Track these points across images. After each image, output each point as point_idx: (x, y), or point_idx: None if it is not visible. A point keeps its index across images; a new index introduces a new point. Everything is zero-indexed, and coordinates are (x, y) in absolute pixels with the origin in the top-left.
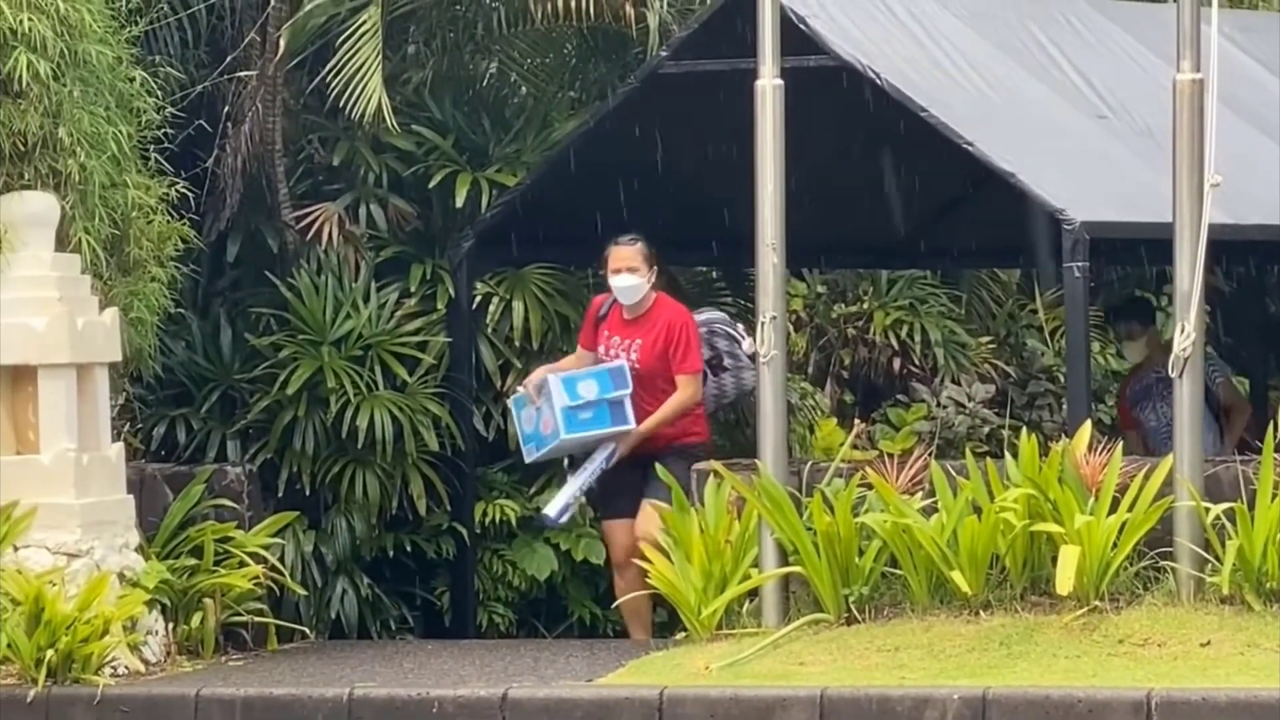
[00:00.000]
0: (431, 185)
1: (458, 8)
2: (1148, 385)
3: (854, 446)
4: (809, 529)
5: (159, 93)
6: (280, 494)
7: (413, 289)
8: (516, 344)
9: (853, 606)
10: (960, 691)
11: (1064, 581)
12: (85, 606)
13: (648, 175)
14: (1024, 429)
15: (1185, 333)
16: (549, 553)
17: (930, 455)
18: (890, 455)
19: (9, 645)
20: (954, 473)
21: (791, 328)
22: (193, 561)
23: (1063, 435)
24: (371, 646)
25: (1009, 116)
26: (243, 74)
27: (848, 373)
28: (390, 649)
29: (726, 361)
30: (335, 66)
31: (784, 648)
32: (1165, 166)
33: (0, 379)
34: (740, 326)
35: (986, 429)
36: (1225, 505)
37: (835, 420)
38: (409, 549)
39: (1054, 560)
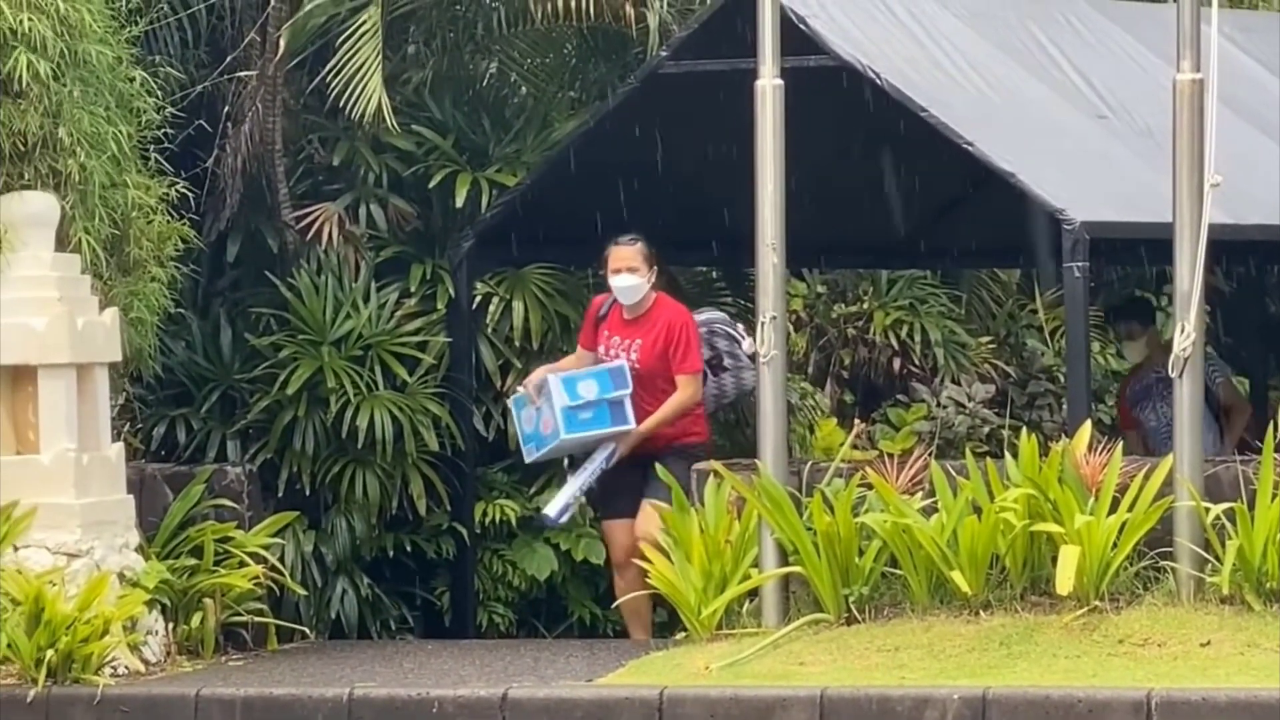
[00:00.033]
0: (431, 185)
1: (458, 8)
2: (1148, 385)
3: (854, 446)
4: (809, 529)
5: (159, 93)
6: (280, 494)
7: (413, 289)
8: (516, 344)
9: (853, 606)
10: (960, 691)
11: (1064, 581)
12: (85, 606)
13: (648, 175)
14: (1024, 429)
15: (1185, 333)
16: (549, 553)
17: (930, 455)
18: (890, 455)
19: (9, 645)
20: (954, 473)
21: (791, 328)
22: (193, 561)
23: (1063, 435)
24: (371, 646)
25: (1009, 116)
26: (243, 74)
27: (848, 373)
28: (390, 649)
29: (726, 361)
30: (335, 66)
31: (784, 648)
32: (1165, 166)
33: (0, 379)
34: (740, 326)
35: (986, 429)
36: (1225, 505)
37: (835, 420)
38: (409, 549)
39: (1054, 560)
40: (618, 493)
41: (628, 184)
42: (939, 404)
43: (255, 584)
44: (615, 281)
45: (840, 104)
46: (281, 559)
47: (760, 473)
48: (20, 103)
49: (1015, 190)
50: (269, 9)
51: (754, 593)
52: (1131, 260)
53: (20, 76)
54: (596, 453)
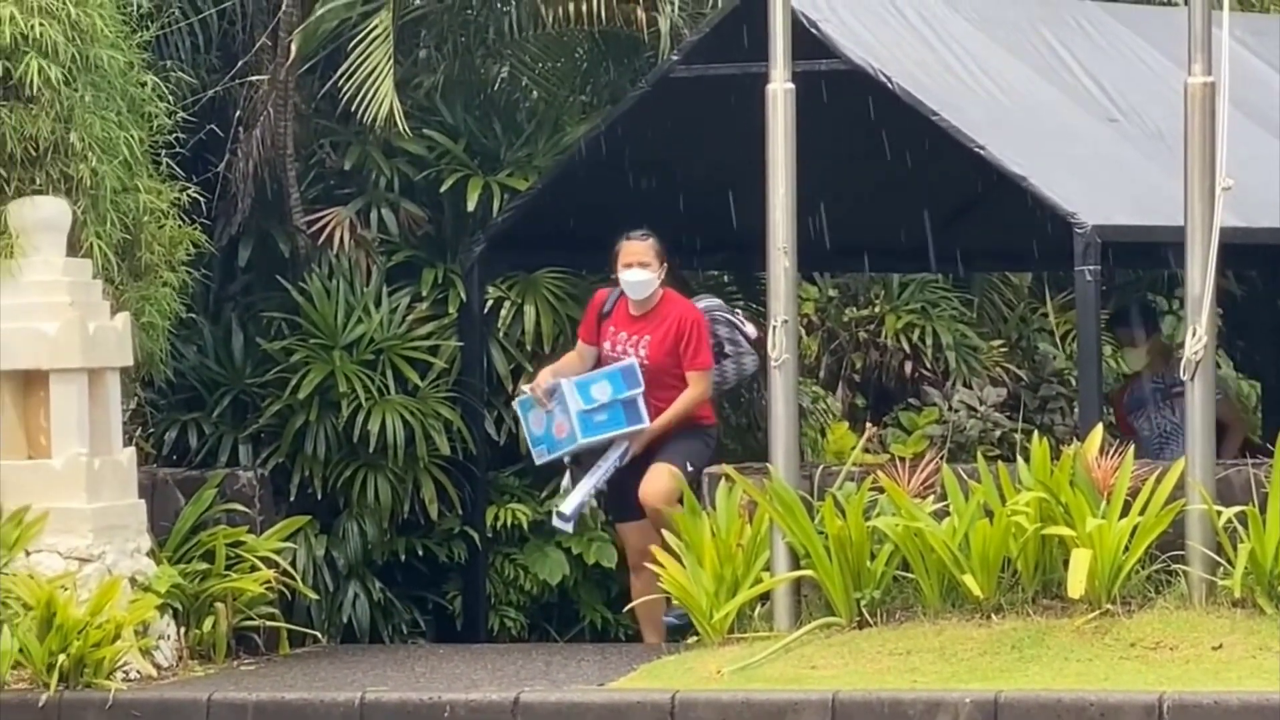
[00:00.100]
0: (443, 189)
1: (469, 12)
2: (1144, 394)
3: (865, 450)
4: (821, 533)
5: (170, 97)
6: (292, 498)
7: (424, 293)
8: (528, 348)
9: (864, 610)
10: (972, 695)
11: (1076, 585)
12: (97, 611)
13: (659, 179)
14: (1035, 432)
15: (1197, 336)
16: (560, 557)
17: (942, 459)
18: (902, 459)
19: (21, 650)
20: (965, 476)
21: (803, 331)
22: (204, 566)
23: (1074, 439)
24: (383, 651)
25: (1020, 120)
26: (254, 79)
27: (859, 376)
28: (402, 653)
29: (727, 349)
30: (347, 71)
31: (796, 651)
32: (1177, 170)
33: (12, 384)
34: (739, 312)
35: (998, 432)
36: (1237, 509)
37: (847, 424)
38: (420, 553)
39: (1066, 564)
40: (629, 494)
41: (639, 188)
42: (950, 408)
43: (267, 588)
44: (626, 276)
45: (851, 108)
46: (293, 563)
47: (772, 476)
48: (31, 108)
49: (1026, 194)
50: (280, 13)
51: (766, 596)
52: (1143, 264)
53: (31, 81)
54: (610, 450)
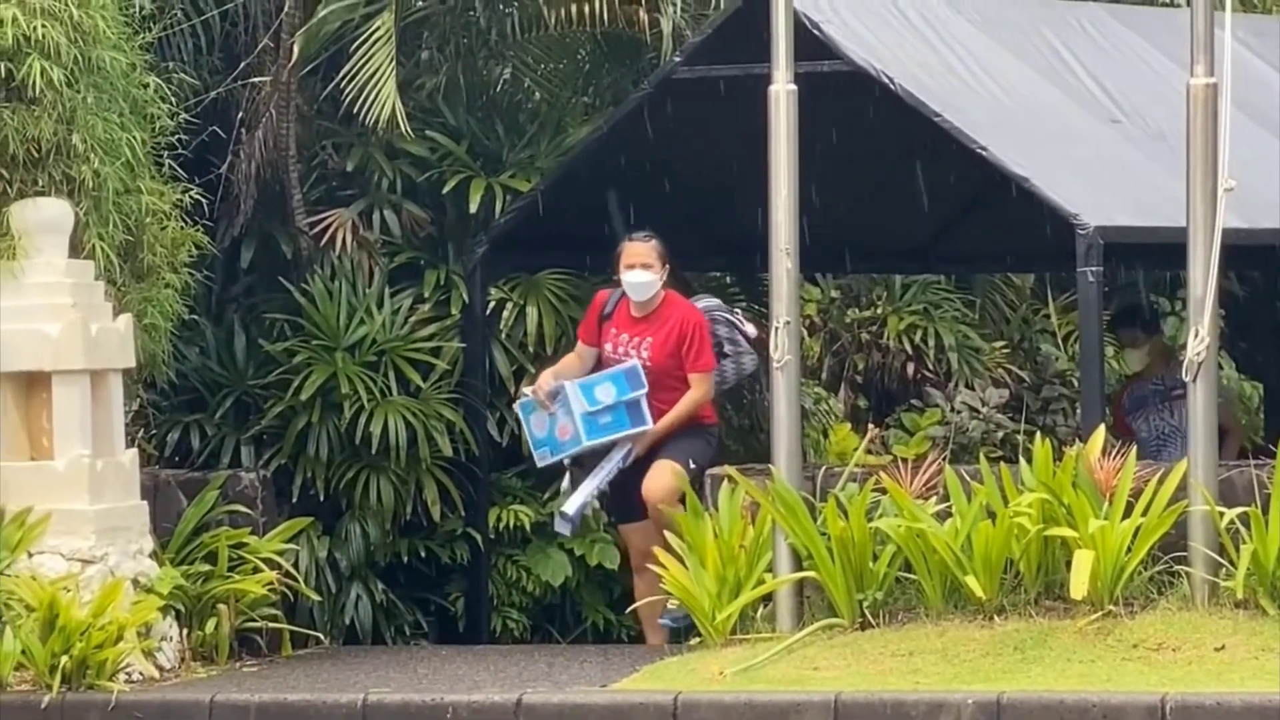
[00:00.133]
0: (445, 191)
1: (471, 13)
2: (1144, 395)
3: (868, 451)
4: (823, 534)
5: (173, 99)
6: (294, 499)
7: (426, 294)
8: (530, 349)
9: (867, 611)
10: (975, 696)
11: (1078, 586)
12: (99, 612)
13: (661, 180)
14: (1038, 433)
15: (1200, 337)
16: (563, 558)
17: (944, 460)
18: (904, 460)
19: (23, 651)
20: (968, 477)
21: (805, 333)
22: (207, 567)
23: (1077, 440)
24: (386, 652)
25: (1022, 121)
26: (256, 80)
27: (862, 378)
28: (405, 654)
29: (727, 348)
30: (349, 72)
31: (798, 652)
32: (1179, 171)
33: (15, 385)
34: (739, 312)
35: (1000, 434)
36: (1239, 510)
37: (849, 425)
38: (423, 554)
39: (1068, 565)
40: (632, 495)
41: (641, 189)
42: (953, 409)
43: (269, 590)
44: (629, 277)
45: (853, 109)
46: (296, 564)
47: (774, 478)
48: (34, 109)
49: (1029, 195)
50: (283, 15)
51: (768, 598)
52: (1145, 265)
53: (34, 83)
54: (613, 452)
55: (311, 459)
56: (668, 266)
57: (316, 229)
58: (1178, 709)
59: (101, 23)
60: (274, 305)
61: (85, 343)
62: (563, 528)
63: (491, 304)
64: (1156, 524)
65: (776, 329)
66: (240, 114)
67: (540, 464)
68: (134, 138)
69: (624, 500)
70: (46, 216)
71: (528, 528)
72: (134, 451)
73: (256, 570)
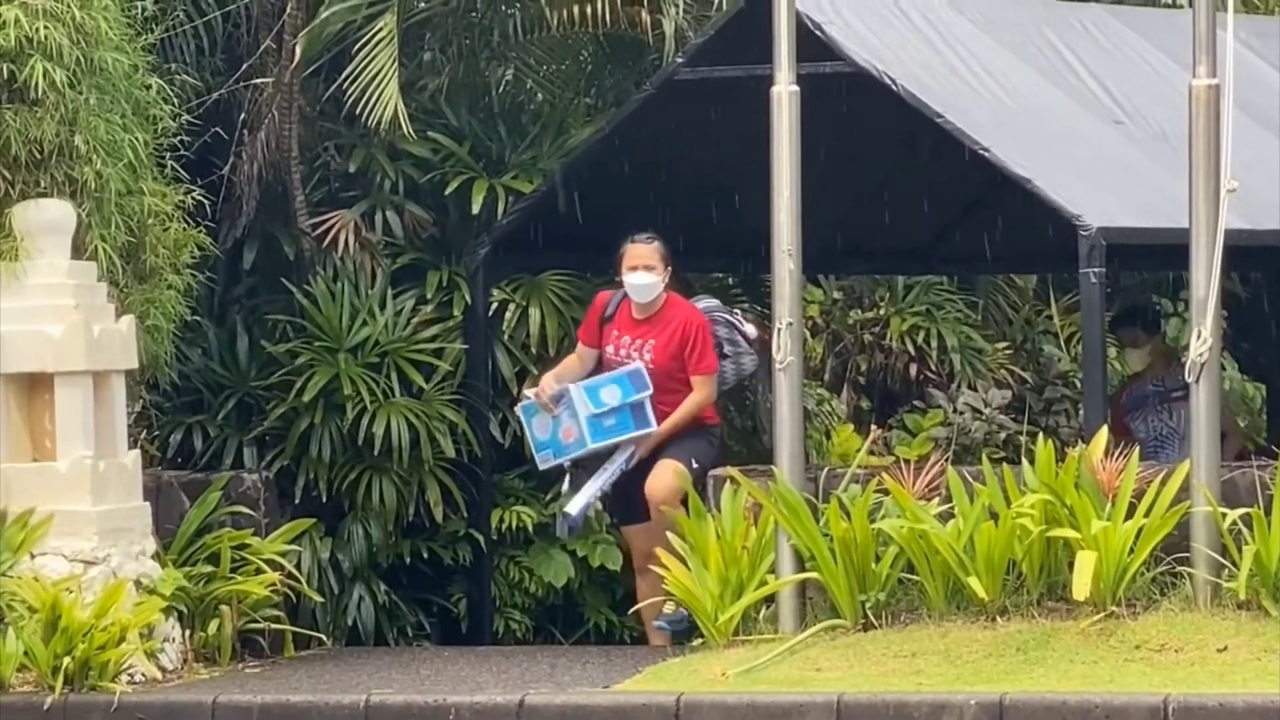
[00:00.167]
0: (448, 192)
1: (473, 15)
2: (1143, 395)
3: (870, 452)
4: (825, 535)
5: (175, 100)
6: (297, 501)
7: (429, 296)
8: (533, 350)
9: (869, 612)
10: (977, 697)
11: (1080, 587)
12: (102, 614)
13: (664, 181)
14: (1040, 435)
15: (1202, 338)
16: (566, 559)
17: (947, 461)
18: (907, 461)
19: (26, 652)
20: (970, 478)
21: (808, 334)
22: (209, 568)
23: (1079, 441)
24: (388, 653)
25: (1025, 122)
26: (259, 81)
27: (864, 379)
28: (407, 656)
29: (726, 349)
30: (351, 73)
31: (801, 654)
32: (1181, 172)
33: (17, 386)
34: (738, 312)
35: (1003, 435)
36: (1242, 510)
37: (852, 426)
38: (426, 556)
39: (1070, 566)
40: (634, 497)
41: (644, 190)
42: (955, 410)
43: (272, 591)
44: (631, 279)
45: (855, 110)
46: (298, 566)
47: (777, 479)
48: (36, 110)
49: (1031, 196)
50: (285, 16)
51: (770, 599)
52: (1147, 266)
53: (36, 84)
54: (616, 454)
55: (314, 460)
56: (670, 268)
57: (319, 230)
58: (1180, 710)
59: (104, 24)
60: (276, 306)
61: (88, 344)
62: (563, 530)
63: (494, 305)
64: (1159, 525)
65: (779, 330)
66: (242, 115)
67: (542, 466)
68: (136, 139)
69: (626, 502)
70: (49, 218)
71: (530, 529)
72: (136, 453)
73: (259, 571)
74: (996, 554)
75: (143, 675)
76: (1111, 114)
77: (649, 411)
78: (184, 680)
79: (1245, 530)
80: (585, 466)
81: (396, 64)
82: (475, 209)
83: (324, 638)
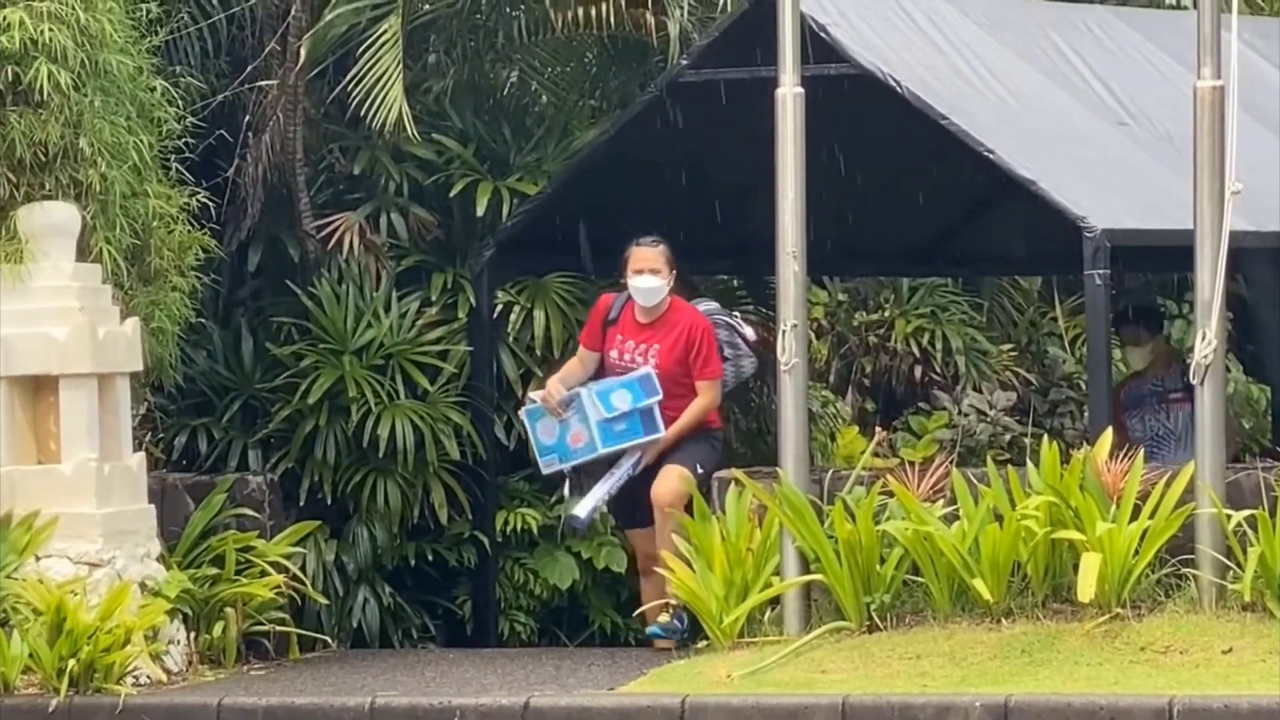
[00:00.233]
0: (452, 194)
1: (478, 17)
2: (1142, 394)
3: (875, 454)
4: (830, 537)
5: (180, 102)
6: (301, 503)
7: (434, 298)
8: (538, 352)
9: (874, 614)
10: (982, 699)
11: (1085, 589)
12: (107, 616)
13: (668, 183)
14: (1045, 436)
15: (1207, 340)
16: (570, 561)
17: (952, 463)
18: (911, 463)
19: (31, 655)
20: (975, 480)
21: (813, 336)
22: (214, 571)
23: (1084, 443)
24: (393, 655)
25: (1029, 124)
26: (263, 83)
27: (869, 380)
28: (412, 658)
29: (726, 352)
30: (356, 75)
31: (806, 655)
32: (1186, 173)
33: (22, 389)
34: (738, 315)
35: (1008, 437)
36: (1247, 512)
37: (857, 428)
38: (430, 558)
39: (1075, 568)
40: (639, 502)
41: (648, 192)
42: (960, 412)
43: (277, 593)
44: (636, 282)
45: (860, 112)
46: (303, 568)
47: (782, 481)
48: (41, 113)
49: (1036, 198)
50: (289, 18)
51: (775, 601)
52: (1152, 267)
53: (41, 87)
54: (623, 459)
55: (319, 462)
56: (675, 272)
57: (324, 232)
58: (1185, 712)
59: (108, 26)
60: (281, 309)
61: (92, 346)
62: (570, 529)
63: (499, 307)
64: (1164, 527)
65: (784, 332)
66: (247, 117)
67: (546, 471)
68: (141, 141)
69: (631, 507)
70: (54, 220)
71: (535, 531)
72: (141, 455)
73: (264, 573)
74: (1001, 556)
75: (148, 677)
76: (1116, 116)
77: (658, 417)
78: (189, 682)
79: (1250, 532)
80: (588, 471)
81: (401, 66)
82: (480, 211)
83: (329, 640)
